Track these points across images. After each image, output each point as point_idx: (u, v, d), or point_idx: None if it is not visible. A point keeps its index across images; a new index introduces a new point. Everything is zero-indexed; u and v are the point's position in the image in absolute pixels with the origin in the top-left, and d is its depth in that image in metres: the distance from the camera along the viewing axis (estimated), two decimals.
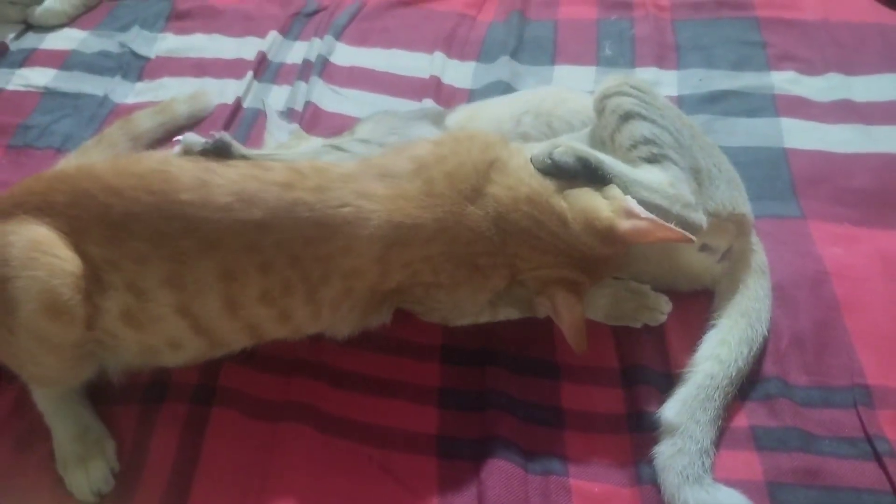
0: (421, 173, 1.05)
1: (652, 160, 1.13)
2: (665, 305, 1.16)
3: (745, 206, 1.20)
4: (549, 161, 1.07)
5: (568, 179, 1.07)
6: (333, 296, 1.04)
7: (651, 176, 1.11)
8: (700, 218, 1.11)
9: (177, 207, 0.97)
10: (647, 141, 1.14)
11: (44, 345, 0.99)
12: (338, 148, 1.20)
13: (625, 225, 1.02)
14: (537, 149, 1.09)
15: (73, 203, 0.99)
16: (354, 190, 1.02)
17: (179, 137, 1.12)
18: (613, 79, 1.22)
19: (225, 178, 1.00)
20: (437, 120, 1.36)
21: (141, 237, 0.97)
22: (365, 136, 1.24)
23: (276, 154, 1.17)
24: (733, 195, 1.18)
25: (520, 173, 1.08)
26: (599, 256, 1.06)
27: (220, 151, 1.08)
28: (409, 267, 1.05)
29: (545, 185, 1.07)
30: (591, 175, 1.07)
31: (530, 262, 1.07)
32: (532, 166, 1.09)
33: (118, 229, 0.97)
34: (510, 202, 1.05)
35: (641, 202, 1.04)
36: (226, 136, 1.09)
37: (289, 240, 0.99)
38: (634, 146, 1.14)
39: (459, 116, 1.36)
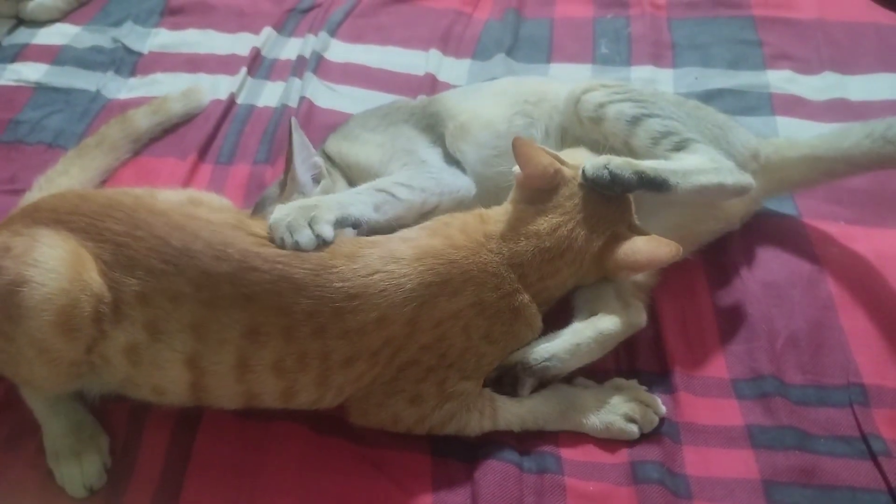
0: (439, 232, 1.06)
1: (679, 148, 1.18)
2: (660, 407, 1.10)
3: (752, 138, 1.28)
4: (607, 172, 1.06)
5: (617, 192, 1.08)
6: (347, 380, 1.02)
7: (693, 162, 1.15)
8: (748, 178, 1.18)
9: (234, 249, 0.97)
10: (665, 134, 1.18)
11: (42, 356, 0.98)
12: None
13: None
14: (588, 162, 1.08)
15: (128, 232, 0.99)
16: (381, 256, 1.01)
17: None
18: (592, 87, 1.26)
19: None
20: (433, 128, 1.34)
21: (188, 274, 0.96)
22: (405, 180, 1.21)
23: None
24: (743, 136, 1.26)
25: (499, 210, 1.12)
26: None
27: None
28: (438, 327, 1.03)
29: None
30: (649, 185, 1.08)
31: (560, 273, 1.08)
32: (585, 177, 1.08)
33: (169, 262, 0.96)
34: (510, 230, 1.07)
35: (703, 188, 1.12)
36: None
37: (318, 309, 0.97)
38: (656, 142, 1.18)
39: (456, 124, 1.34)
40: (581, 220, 1.07)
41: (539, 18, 1.90)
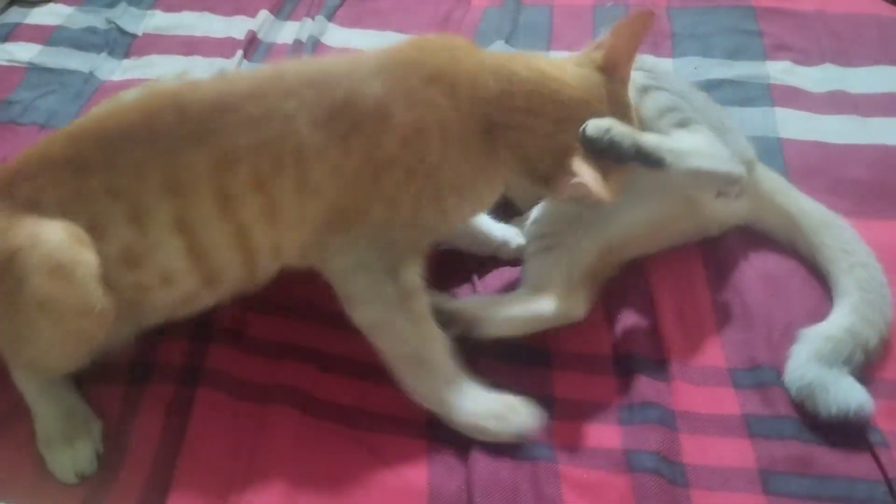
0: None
1: (681, 125, 1.18)
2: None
3: (751, 150, 1.27)
4: (607, 137, 1.04)
5: (611, 159, 1.05)
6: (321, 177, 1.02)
7: (692, 142, 1.15)
8: (741, 169, 1.17)
9: (168, 100, 1.00)
10: (671, 108, 1.19)
11: (50, 317, 0.96)
12: None
13: None
14: (591, 122, 1.05)
15: (70, 144, 1.00)
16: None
17: None
18: None
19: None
20: None
21: (139, 141, 0.97)
22: None
23: None
24: (742, 143, 1.24)
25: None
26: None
27: None
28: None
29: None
30: (644, 159, 1.06)
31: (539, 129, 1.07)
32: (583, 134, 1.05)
33: (116, 143, 0.98)
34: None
35: (697, 172, 1.11)
36: None
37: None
38: (661, 115, 1.19)
39: None
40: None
41: (538, 5, 1.89)
